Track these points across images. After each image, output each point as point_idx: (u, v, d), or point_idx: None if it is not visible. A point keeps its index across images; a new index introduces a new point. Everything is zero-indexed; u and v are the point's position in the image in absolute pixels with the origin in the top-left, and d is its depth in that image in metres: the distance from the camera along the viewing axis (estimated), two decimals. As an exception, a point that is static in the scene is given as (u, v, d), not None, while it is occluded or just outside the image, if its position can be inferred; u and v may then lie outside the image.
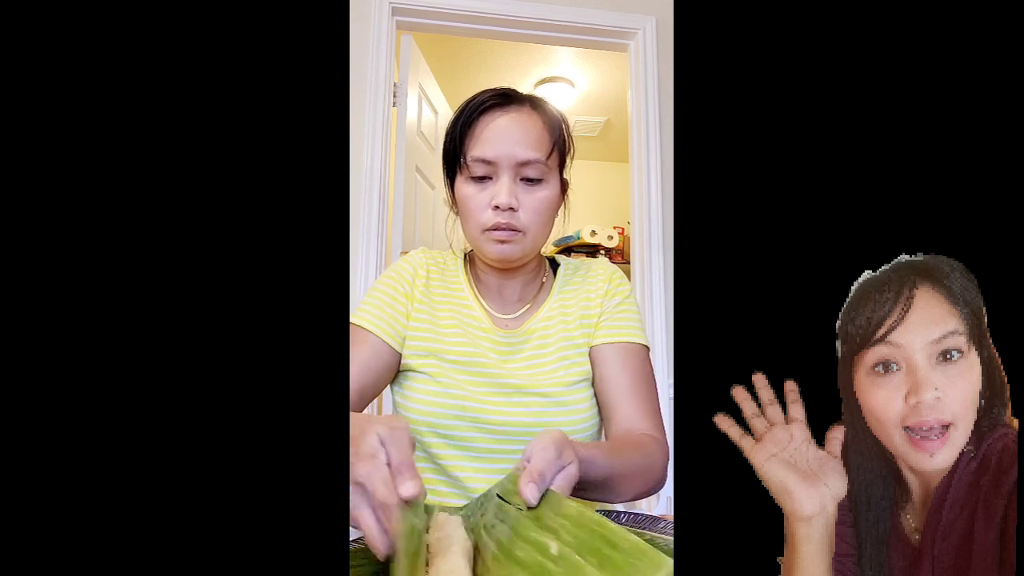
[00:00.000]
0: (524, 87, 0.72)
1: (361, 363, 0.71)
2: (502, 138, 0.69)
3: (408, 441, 0.42)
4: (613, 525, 0.35)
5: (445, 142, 0.75)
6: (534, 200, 0.70)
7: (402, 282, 0.77)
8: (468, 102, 0.72)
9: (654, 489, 0.67)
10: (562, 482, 0.45)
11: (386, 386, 0.77)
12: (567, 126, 0.76)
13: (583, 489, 0.53)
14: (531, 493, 0.42)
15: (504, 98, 0.71)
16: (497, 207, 0.69)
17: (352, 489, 0.39)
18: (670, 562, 0.31)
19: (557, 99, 3.04)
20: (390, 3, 1.78)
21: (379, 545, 0.37)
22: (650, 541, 0.46)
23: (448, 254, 0.84)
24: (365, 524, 0.38)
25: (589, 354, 0.75)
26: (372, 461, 0.39)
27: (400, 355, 0.74)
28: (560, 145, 0.74)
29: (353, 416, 0.45)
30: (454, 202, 0.76)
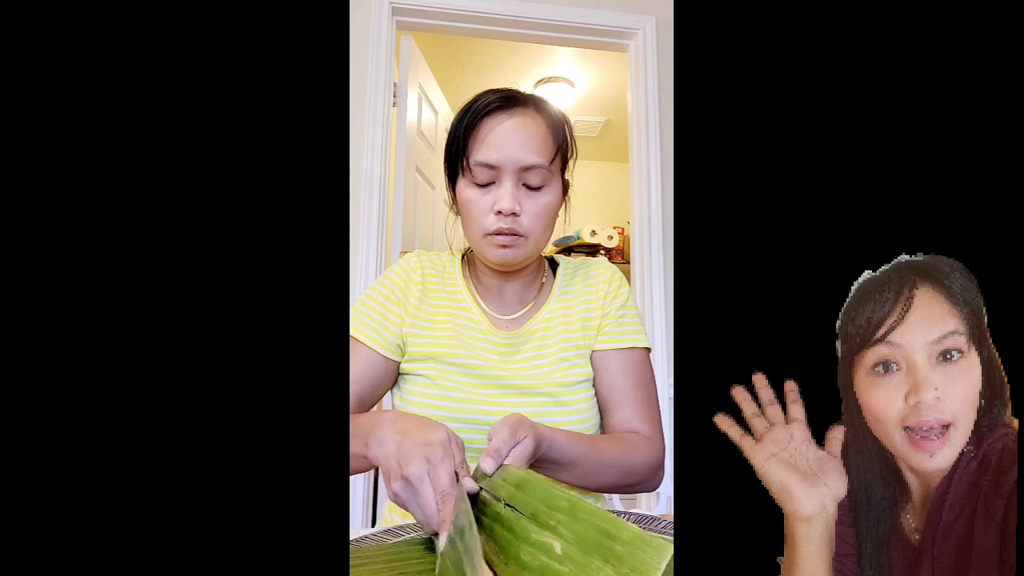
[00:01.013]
0: (524, 87, 0.72)
1: (355, 373, 0.71)
2: (506, 142, 0.68)
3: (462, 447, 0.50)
4: (609, 515, 0.35)
5: (447, 144, 0.74)
6: (536, 205, 0.70)
7: (394, 290, 0.77)
8: (471, 104, 0.72)
9: (635, 485, 0.69)
10: (517, 454, 0.52)
11: (385, 393, 0.77)
12: (570, 128, 0.76)
13: (549, 468, 0.61)
14: (487, 465, 0.49)
15: (508, 100, 0.71)
16: (500, 212, 0.68)
17: (416, 464, 0.45)
18: (671, 547, 0.31)
19: (557, 99, 3.03)
20: (390, 3, 1.78)
21: (435, 522, 0.43)
22: (650, 541, 0.46)
23: (446, 256, 0.84)
24: (426, 500, 0.45)
25: (591, 357, 0.76)
26: (443, 451, 0.46)
27: (395, 362, 0.75)
28: (563, 149, 0.74)
29: (406, 414, 0.54)
30: (455, 203, 0.76)
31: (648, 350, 0.78)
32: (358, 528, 0.53)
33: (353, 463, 0.55)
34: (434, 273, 0.80)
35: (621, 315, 0.77)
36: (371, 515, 1.64)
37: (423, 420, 0.51)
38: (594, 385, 0.76)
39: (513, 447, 0.52)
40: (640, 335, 0.77)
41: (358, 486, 1.59)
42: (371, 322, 0.74)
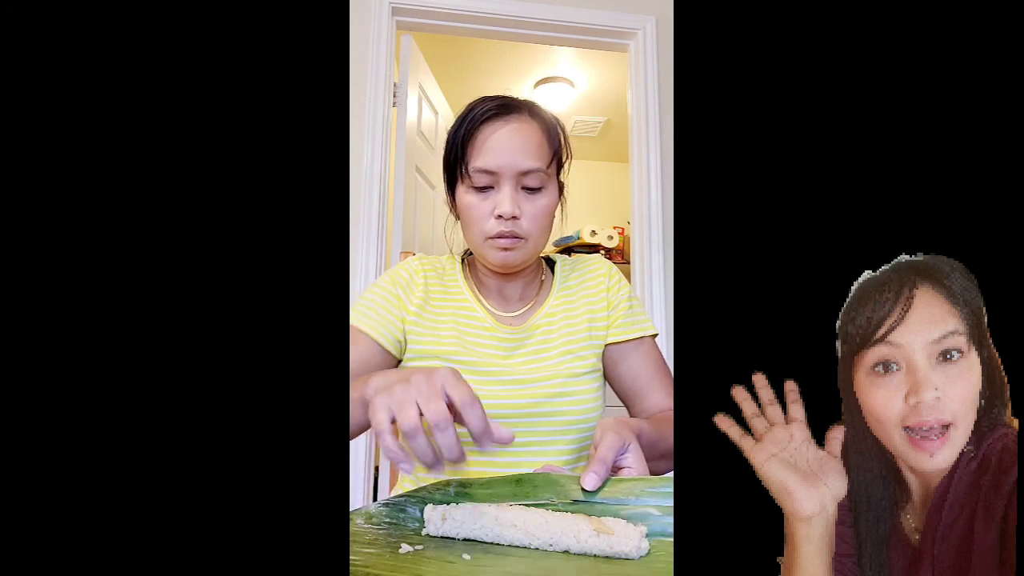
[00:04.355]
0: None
1: (355, 361, 0.72)
2: (504, 149, 0.70)
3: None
4: None
5: (445, 151, 0.76)
6: (535, 208, 0.72)
7: (396, 286, 0.79)
8: (467, 112, 0.74)
9: None
10: (635, 457, 0.53)
11: None
12: (564, 131, 0.78)
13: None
14: (591, 482, 0.49)
15: (503, 107, 0.73)
16: (500, 216, 0.70)
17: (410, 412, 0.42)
18: None
19: (557, 99, 3.03)
20: (390, 3, 1.78)
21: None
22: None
23: (446, 258, 0.86)
24: (422, 447, 0.42)
25: (605, 350, 0.79)
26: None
27: (393, 356, 0.76)
28: (558, 152, 0.76)
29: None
30: (454, 208, 0.78)
31: (656, 335, 0.83)
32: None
33: (352, 413, 0.50)
34: (435, 275, 0.82)
35: (629, 307, 0.81)
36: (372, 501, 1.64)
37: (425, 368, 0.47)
38: (612, 376, 0.79)
39: (622, 453, 0.53)
40: (649, 323, 0.82)
41: (358, 479, 1.59)
42: (373, 313, 0.76)
